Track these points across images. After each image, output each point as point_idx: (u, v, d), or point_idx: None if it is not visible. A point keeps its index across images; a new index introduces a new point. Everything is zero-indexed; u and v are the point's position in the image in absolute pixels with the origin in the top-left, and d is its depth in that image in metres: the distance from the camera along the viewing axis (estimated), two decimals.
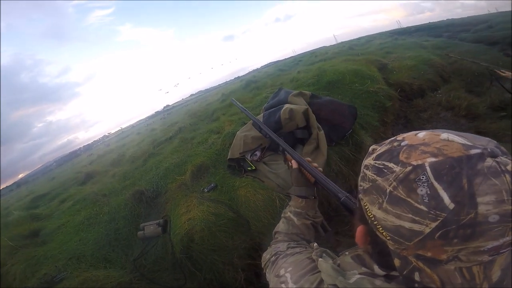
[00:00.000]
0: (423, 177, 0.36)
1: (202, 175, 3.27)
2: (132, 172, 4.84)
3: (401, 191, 0.38)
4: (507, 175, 0.33)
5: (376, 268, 0.47)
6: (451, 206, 0.33)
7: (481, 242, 0.33)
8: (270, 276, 0.68)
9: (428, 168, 0.36)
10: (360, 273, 0.46)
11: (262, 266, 0.81)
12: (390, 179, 0.40)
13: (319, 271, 0.53)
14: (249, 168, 2.82)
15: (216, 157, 3.51)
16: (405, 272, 0.42)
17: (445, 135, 0.39)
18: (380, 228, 0.42)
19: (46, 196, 7.11)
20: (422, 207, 0.36)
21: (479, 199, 0.33)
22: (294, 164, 1.01)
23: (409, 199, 0.37)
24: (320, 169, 0.96)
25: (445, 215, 0.34)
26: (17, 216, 6.27)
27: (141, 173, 4.50)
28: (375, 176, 0.43)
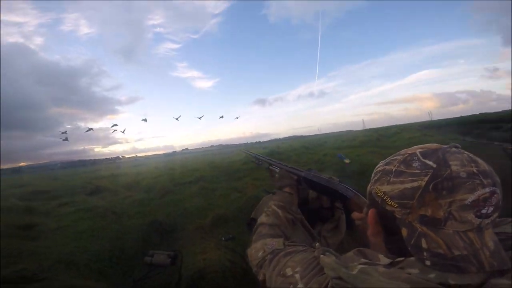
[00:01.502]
0: (415, 157, 0.52)
1: (222, 225, 3.43)
2: (148, 201, 5.01)
3: (402, 167, 0.52)
4: (465, 154, 0.50)
5: (382, 257, 0.52)
6: (434, 165, 0.48)
7: (463, 195, 0.45)
8: (270, 275, 0.69)
9: (418, 153, 0.52)
10: (360, 264, 0.50)
11: (254, 264, 0.81)
12: (394, 163, 0.55)
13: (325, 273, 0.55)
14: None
15: (237, 213, 3.71)
16: (412, 241, 0.49)
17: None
18: (389, 200, 0.53)
19: (46, 193, 7.12)
20: (417, 171, 0.50)
21: (450, 162, 0.48)
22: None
23: (408, 170, 0.51)
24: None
25: (432, 171, 0.48)
26: (13, 204, 6.31)
27: (158, 205, 4.67)
28: (384, 166, 0.57)
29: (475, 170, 0.47)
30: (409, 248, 0.49)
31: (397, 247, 0.53)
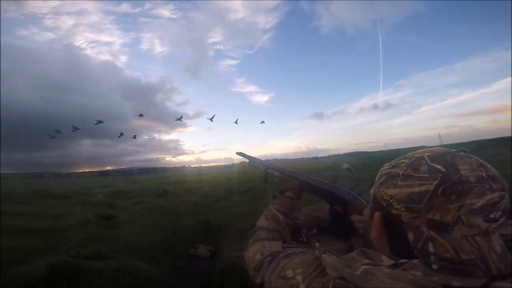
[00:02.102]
0: (423, 161, 0.51)
1: None
2: (203, 205, 5.57)
3: (410, 171, 0.51)
4: (473, 158, 0.49)
5: (385, 258, 0.51)
6: (443, 169, 0.47)
7: (472, 199, 0.44)
8: (269, 277, 0.66)
9: (426, 157, 0.51)
10: (363, 264, 0.49)
11: (251, 267, 0.77)
12: (402, 166, 0.53)
13: (328, 274, 0.53)
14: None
15: None
16: (419, 245, 0.47)
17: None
18: (395, 204, 0.51)
19: (125, 193, 8.44)
20: (426, 175, 0.48)
21: (459, 167, 0.47)
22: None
23: (416, 174, 0.50)
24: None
25: (441, 175, 0.47)
26: (100, 199, 7.63)
27: (211, 208, 5.16)
28: (390, 169, 0.56)
29: (484, 175, 0.46)
30: (416, 252, 0.48)
31: (402, 250, 0.52)
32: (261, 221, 0.98)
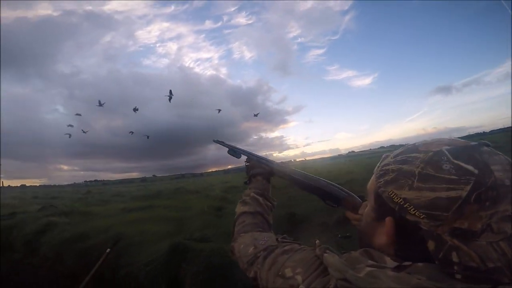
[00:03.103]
0: (444, 157, 0.42)
1: (345, 224, 3.55)
2: (295, 197, 5.79)
3: (429, 169, 0.42)
4: (501, 155, 0.42)
5: (388, 260, 0.46)
6: (476, 171, 0.39)
7: (506, 205, 0.38)
8: (266, 275, 0.61)
9: (446, 152, 0.43)
10: (367, 266, 0.44)
11: (244, 261, 0.72)
12: (416, 163, 0.44)
13: (329, 274, 0.49)
14: None
15: None
16: (441, 255, 0.41)
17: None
18: (412, 209, 0.43)
19: (237, 188, 9.48)
20: (453, 177, 0.40)
21: (492, 167, 0.40)
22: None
23: (438, 174, 0.41)
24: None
25: (474, 178, 0.39)
26: (218, 193, 8.88)
27: (300, 200, 5.34)
28: (399, 165, 0.47)
29: None
30: (437, 262, 0.42)
31: (408, 255, 0.46)
32: (241, 207, 0.93)
